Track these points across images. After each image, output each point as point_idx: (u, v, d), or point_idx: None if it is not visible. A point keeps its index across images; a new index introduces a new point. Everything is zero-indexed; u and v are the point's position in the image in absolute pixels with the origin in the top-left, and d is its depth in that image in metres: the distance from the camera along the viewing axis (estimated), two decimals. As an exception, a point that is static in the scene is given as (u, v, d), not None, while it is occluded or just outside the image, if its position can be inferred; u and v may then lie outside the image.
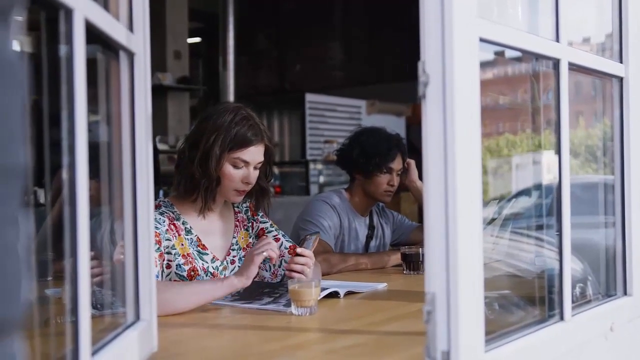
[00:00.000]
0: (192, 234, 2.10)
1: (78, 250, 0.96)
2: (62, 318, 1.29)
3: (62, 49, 0.96)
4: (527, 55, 1.52)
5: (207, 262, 2.10)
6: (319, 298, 1.82)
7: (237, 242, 2.22)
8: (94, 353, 1.03)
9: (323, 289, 1.94)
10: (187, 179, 2.08)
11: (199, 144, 2.05)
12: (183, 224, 2.10)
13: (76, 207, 0.95)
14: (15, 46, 0.52)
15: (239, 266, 2.16)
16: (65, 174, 0.96)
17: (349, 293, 2.07)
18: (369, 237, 3.00)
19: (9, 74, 0.49)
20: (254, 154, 2.08)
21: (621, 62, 1.72)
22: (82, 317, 0.96)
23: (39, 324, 1.13)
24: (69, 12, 0.95)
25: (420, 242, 2.84)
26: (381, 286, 2.24)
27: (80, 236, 0.96)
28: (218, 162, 2.04)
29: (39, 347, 1.10)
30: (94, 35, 1.05)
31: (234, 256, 2.20)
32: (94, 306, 1.17)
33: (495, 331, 1.26)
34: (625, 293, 1.72)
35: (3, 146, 0.50)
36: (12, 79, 0.49)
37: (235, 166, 2.07)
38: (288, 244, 2.25)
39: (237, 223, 2.25)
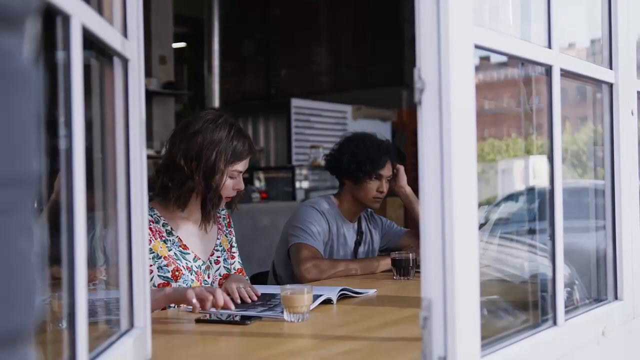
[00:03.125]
0: (173, 235, 2.15)
1: (75, 258, 0.95)
2: (52, 325, 1.28)
3: (59, 55, 0.96)
4: (514, 61, 1.53)
5: (189, 261, 2.15)
6: (313, 307, 1.81)
7: (220, 243, 2.29)
8: (90, 361, 1.02)
9: (316, 296, 1.93)
10: (184, 191, 2.11)
11: (200, 158, 2.09)
12: (163, 226, 2.15)
13: (73, 214, 0.95)
14: (29, 54, 0.51)
15: (224, 266, 2.26)
16: (62, 180, 0.95)
17: (342, 297, 2.07)
18: (358, 243, 2.99)
19: (23, 82, 0.48)
20: (247, 163, 2.21)
21: (611, 68, 1.74)
22: (79, 325, 0.95)
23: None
24: (66, 18, 0.94)
25: (409, 247, 2.84)
26: (371, 292, 2.24)
27: (77, 244, 0.95)
28: (222, 176, 2.13)
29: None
30: (89, 41, 1.05)
31: (217, 256, 2.26)
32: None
33: (490, 336, 1.26)
34: (616, 297, 1.73)
35: (17, 155, 0.49)
36: (26, 87, 0.49)
37: (232, 177, 2.17)
38: (238, 266, 2.35)
39: (220, 226, 2.32)
